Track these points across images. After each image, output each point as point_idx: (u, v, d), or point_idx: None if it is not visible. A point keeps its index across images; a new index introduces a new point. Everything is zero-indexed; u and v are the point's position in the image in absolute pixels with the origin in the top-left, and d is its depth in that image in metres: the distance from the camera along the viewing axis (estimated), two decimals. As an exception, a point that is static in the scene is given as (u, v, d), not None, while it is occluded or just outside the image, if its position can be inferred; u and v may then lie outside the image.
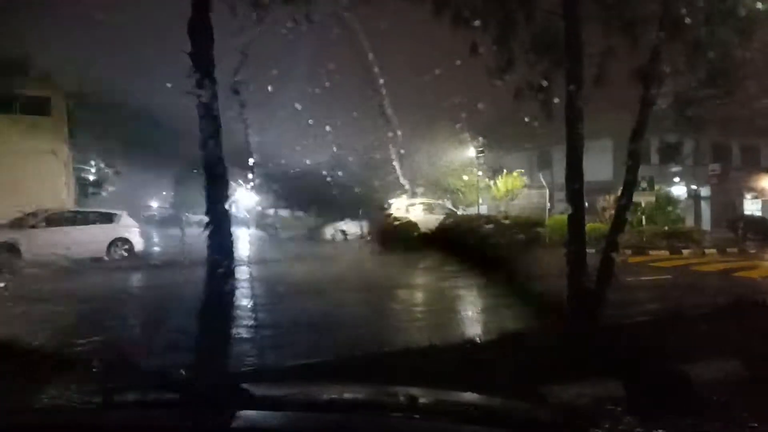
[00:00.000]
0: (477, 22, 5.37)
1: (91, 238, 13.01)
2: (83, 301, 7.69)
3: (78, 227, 13.29)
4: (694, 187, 24.61)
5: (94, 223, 13.76)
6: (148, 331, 5.96)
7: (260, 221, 21.08)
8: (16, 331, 5.16)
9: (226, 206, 4.43)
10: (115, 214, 14.18)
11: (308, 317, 5.71)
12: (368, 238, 17.71)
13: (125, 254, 13.51)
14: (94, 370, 1.63)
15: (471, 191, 22.40)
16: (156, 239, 20.34)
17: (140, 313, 7.58)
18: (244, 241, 15.50)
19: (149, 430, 1.26)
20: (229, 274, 4.45)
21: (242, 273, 9.45)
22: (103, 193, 23.11)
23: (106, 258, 13.19)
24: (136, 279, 11.35)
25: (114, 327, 6.19)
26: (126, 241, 13.76)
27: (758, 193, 25.53)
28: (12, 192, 14.20)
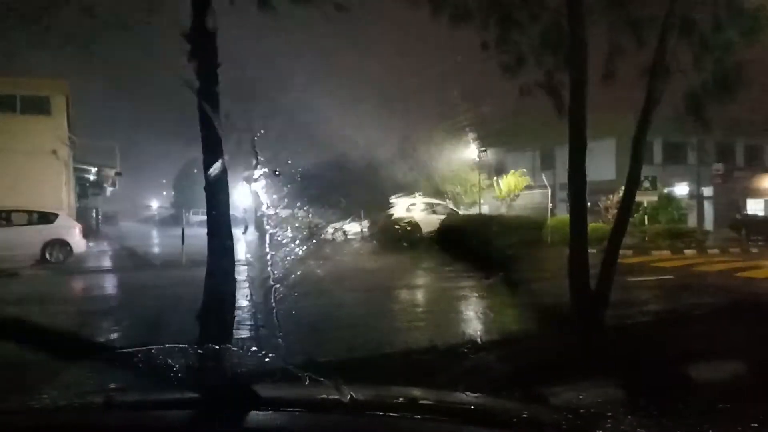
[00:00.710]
0: (480, 21, 5.35)
1: (23, 240, 11.95)
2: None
3: (7, 228, 12.16)
4: (696, 186, 24.55)
5: (28, 223, 12.64)
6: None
7: (260, 221, 21.00)
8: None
9: (227, 207, 4.43)
10: (52, 213, 13.15)
11: (304, 317, 5.68)
12: (369, 239, 17.69)
13: (62, 257, 12.42)
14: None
15: (473, 191, 22.37)
16: (136, 240, 20.19)
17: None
18: (241, 242, 15.53)
19: (150, 430, 1.26)
20: (230, 273, 4.45)
21: (240, 273, 9.43)
22: (103, 194, 23.12)
23: (43, 260, 12.07)
24: (61, 286, 10.24)
25: None
26: (63, 243, 12.53)
27: (761, 193, 25.47)
28: (11, 192, 14.15)
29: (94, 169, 20.91)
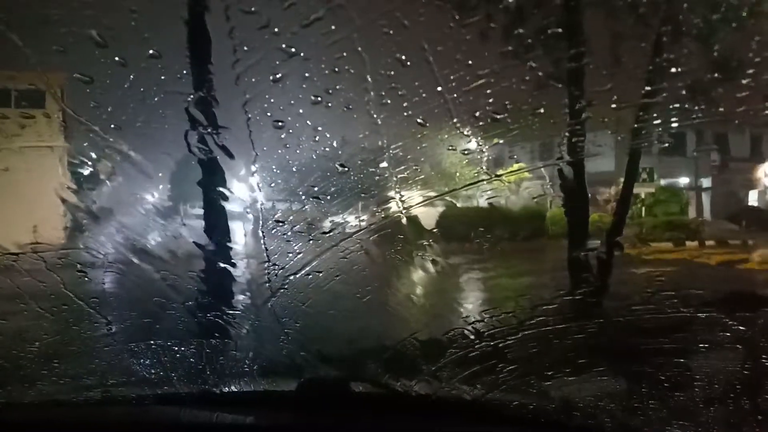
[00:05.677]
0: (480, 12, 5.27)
1: None
2: None
3: None
4: (695, 178, 24.53)
5: None
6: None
7: (256, 215, 20.91)
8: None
9: (222, 199, 4.38)
10: None
11: (300, 314, 5.63)
12: (368, 233, 17.66)
13: None
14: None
15: (470, 180, 22.32)
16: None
17: None
18: (234, 236, 15.56)
19: (147, 427, 1.24)
20: (225, 268, 4.41)
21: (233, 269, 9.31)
22: (99, 188, 22.95)
23: None
24: None
25: None
26: None
27: (762, 184, 25.44)
28: (4, 188, 13.98)
29: (89, 163, 20.75)
